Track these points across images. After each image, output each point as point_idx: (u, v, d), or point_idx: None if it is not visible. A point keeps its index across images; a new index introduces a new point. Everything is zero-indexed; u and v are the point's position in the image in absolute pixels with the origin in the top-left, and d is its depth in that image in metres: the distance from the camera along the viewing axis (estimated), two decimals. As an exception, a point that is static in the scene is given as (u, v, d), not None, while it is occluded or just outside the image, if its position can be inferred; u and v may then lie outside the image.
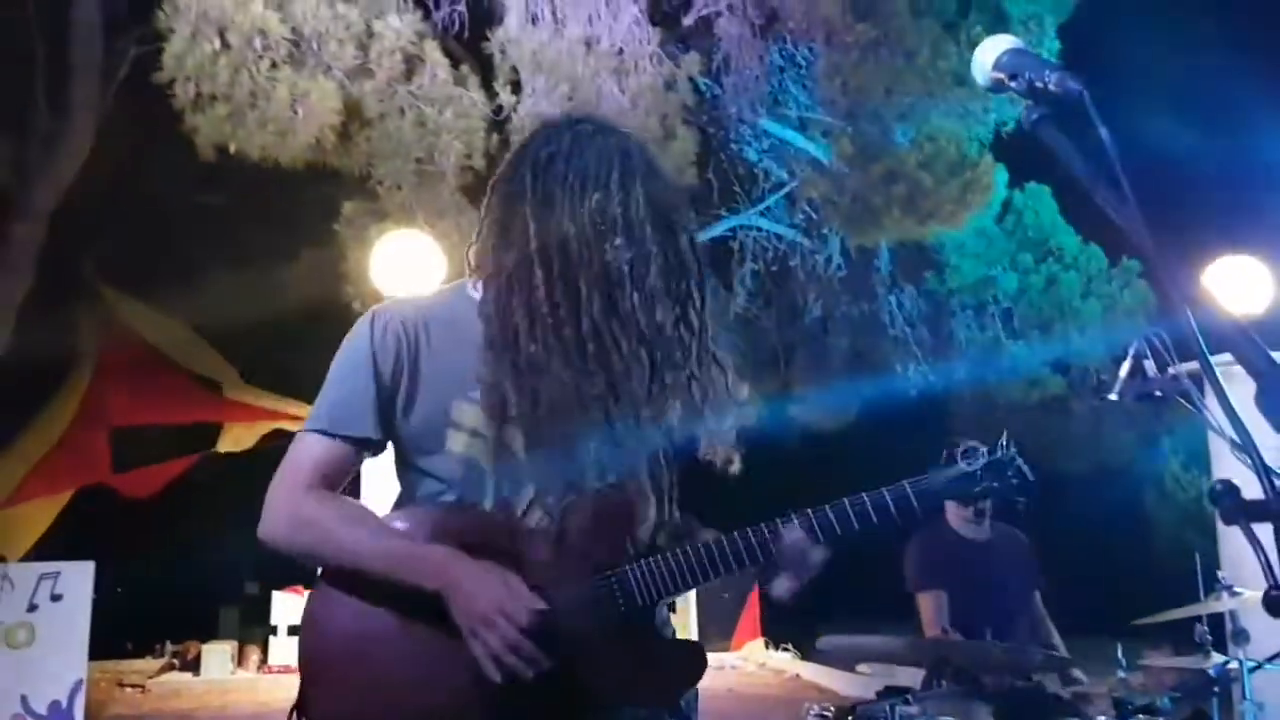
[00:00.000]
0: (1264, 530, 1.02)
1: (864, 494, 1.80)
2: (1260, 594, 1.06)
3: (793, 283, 13.26)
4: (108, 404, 11.43)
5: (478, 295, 1.89)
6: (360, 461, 1.90)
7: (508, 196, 1.88)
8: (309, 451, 1.84)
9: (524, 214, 1.82)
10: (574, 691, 1.72)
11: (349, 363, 1.88)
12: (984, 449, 1.78)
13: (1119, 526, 18.27)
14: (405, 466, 1.91)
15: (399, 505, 1.90)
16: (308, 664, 1.78)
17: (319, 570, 1.86)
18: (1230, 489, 1.07)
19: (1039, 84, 1.19)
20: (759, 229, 12.55)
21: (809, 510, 1.81)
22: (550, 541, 1.77)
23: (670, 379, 1.85)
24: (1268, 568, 1.00)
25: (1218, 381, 1.17)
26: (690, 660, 1.88)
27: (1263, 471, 1.03)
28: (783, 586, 1.88)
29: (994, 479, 1.78)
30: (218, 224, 11.38)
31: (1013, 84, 1.22)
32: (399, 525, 1.82)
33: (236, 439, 12.21)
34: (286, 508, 1.82)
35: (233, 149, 7.11)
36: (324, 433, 1.84)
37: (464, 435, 1.81)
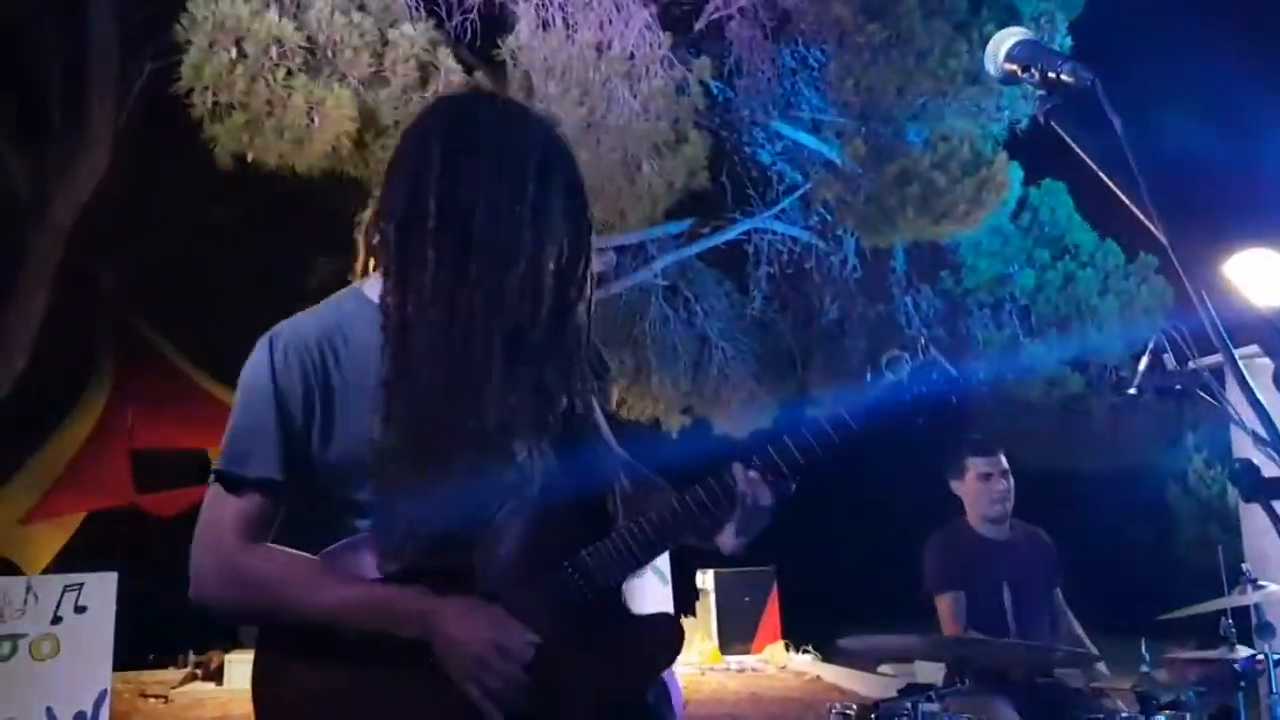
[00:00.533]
0: (1285, 509, 1.02)
1: (801, 425, 1.74)
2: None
3: (808, 285, 13.23)
4: (127, 423, 11.49)
5: (371, 295, 1.75)
6: (280, 504, 1.70)
7: (410, 173, 1.72)
8: (224, 503, 1.67)
9: (427, 191, 1.67)
10: (559, 693, 1.63)
11: (249, 398, 1.70)
12: (907, 355, 1.76)
13: (1141, 524, 18.17)
14: (327, 502, 1.71)
15: (323, 545, 1.69)
16: None
17: (257, 632, 1.73)
18: (1250, 467, 1.07)
19: (1051, 74, 1.20)
20: (773, 232, 12.53)
21: (752, 455, 1.74)
22: (501, 547, 1.64)
23: (553, 379, 1.72)
24: (1289, 544, 1.00)
25: (1239, 368, 1.16)
26: (667, 631, 1.77)
27: (1284, 453, 1.03)
28: (731, 539, 1.76)
29: (921, 384, 1.75)
30: (235, 235, 11.46)
31: (1025, 75, 1.23)
32: (343, 568, 1.65)
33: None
34: (219, 569, 1.65)
35: (250, 158, 7.15)
36: (226, 481, 1.67)
37: (382, 455, 1.65)
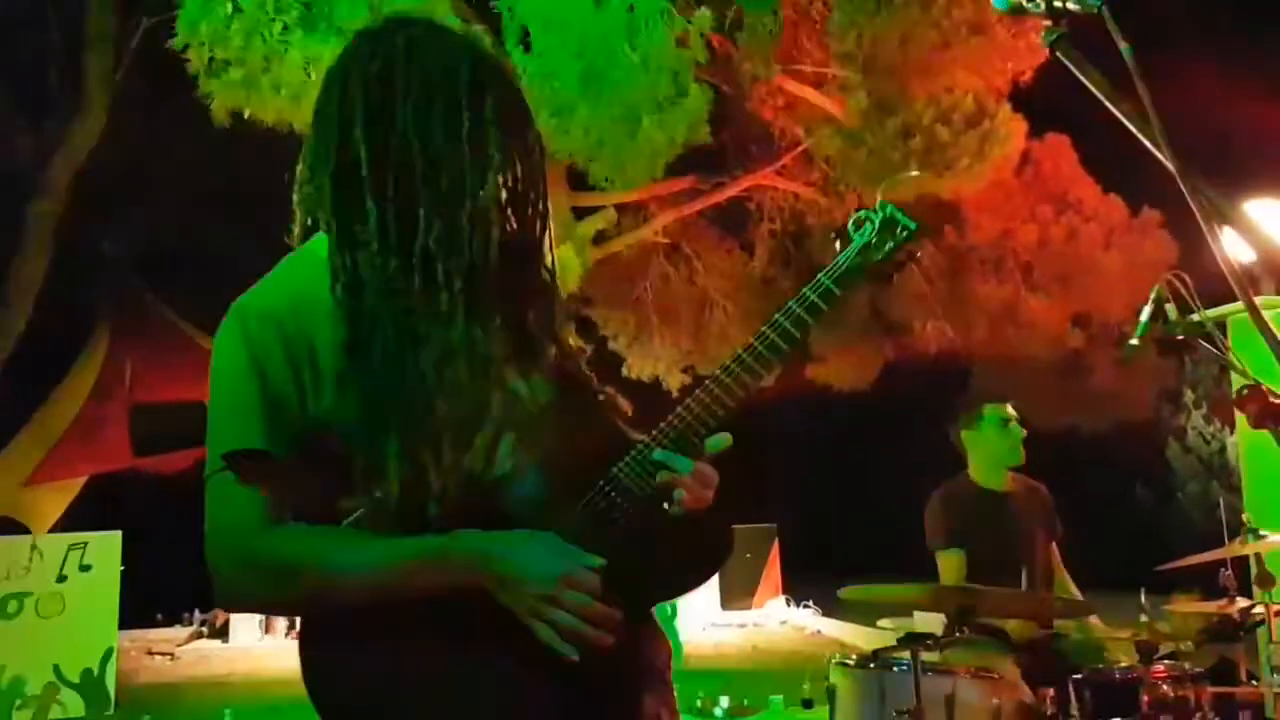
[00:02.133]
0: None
1: (789, 302, 1.68)
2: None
3: (810, 241, 13.19)
4: (126, 378, 11.49)
5: (321, 253, 1.60)
6: (288, 481, 1.55)
7: (335, 120, 1.58)
8: (228, 497, 1.51)
9: (355, 138, 1.55)
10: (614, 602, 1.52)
11: (226, 379, 1.54)
12: (869, 214, 1.76)
13: (1142, 480, 18.25)
14: (328, 474, 1.55)
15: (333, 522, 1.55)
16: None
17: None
18: (1257, 393, 1.05)
19: (1058, 3, 1.17)
20: (775, 188, 12.46)
21: (753, 339, 1.68)
22: (524, 481, 1.56)
23: (514, 309, 1.64)
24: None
25: (1255, 309, 1.13)
26: (714, 535, 1.68)
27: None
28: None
29: (889, 238, 1.74)
30: (233, 196, 11.40)
31: (1030, 5, 1.20)
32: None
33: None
34: (242, 565, 1.51)
35: (247, 114, 7.10)
36: (228, 468, 1.51)
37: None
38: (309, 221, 1.66)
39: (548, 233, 1.69)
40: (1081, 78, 1.13)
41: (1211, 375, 16.72)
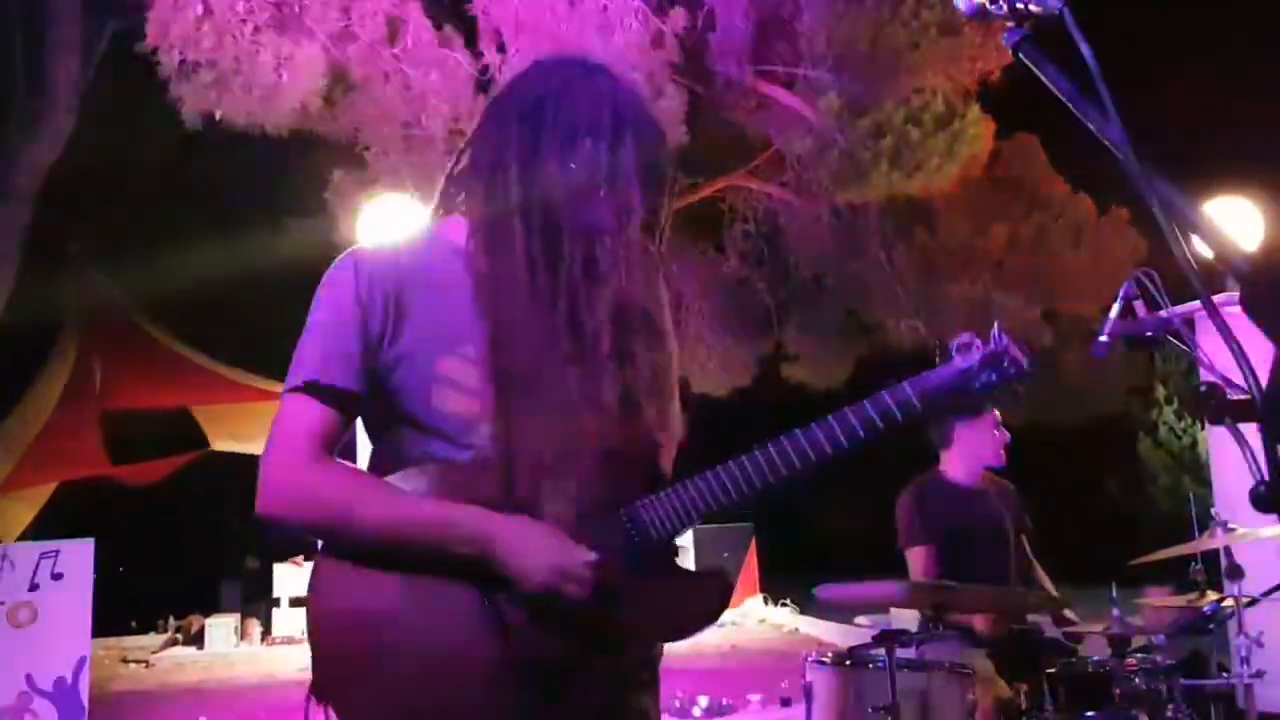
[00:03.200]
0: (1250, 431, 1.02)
1: (865, 402, 1.71)
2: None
3: (783, 242, 13.22)
4: (96, 384, 11.40)
5: (453, 239, 1.76)
6: (352, 421, 1.72)
7: (494, 142, 1.74)
8: (301, 415, 1.66)
9: (508, 164, 1.69)
10: (602, 637, 1.64)
11: (333, 310, 1.70)
12: (978, 342, 1.73)
13: (1113, 476, 18.42)
14: (389, 424, 1.73)
15: (382, 468, 1.70)
16: (326, 647, 1.64)
17: (319, 543, 1.75)
18: (1213, 389, 1.07)
19: (1020, 4, 1.18)
20: (748, 189, 12.49)
21: (827, 419, 1.71)
22: (559, 488, 1.65)
23: (634, 348, 1.75)
24: (1254, 463, 1.00)
25: (1213, 306, 1.15)
26: (714, 590, 1.76)
27: (1253, 382, 1.03)
28: None
29: (992, 371, 1.72)
30: (203, 198, 11.32)
31: (993, 7, 1.21)
32: (409, 488, 1.67)
33: (232, 433, 12.21)
34: (292, 484, 1.65)
35: (219, 116, 7.05)
36: (313, 391, 1.66)
37: (453, 392, 1.67)
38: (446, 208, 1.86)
39: (660, 274, 1.85)
40: (1043, 78, 1.15)
41: (1182, 370, 16.92)
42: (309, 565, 1.74)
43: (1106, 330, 3.65)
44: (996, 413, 4.35)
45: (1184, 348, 3.75)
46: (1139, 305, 3.65)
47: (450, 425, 1.67)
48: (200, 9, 6.73)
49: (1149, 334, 3.69)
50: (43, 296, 11.20)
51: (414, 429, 1.70)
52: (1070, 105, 1.11)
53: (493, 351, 1.66)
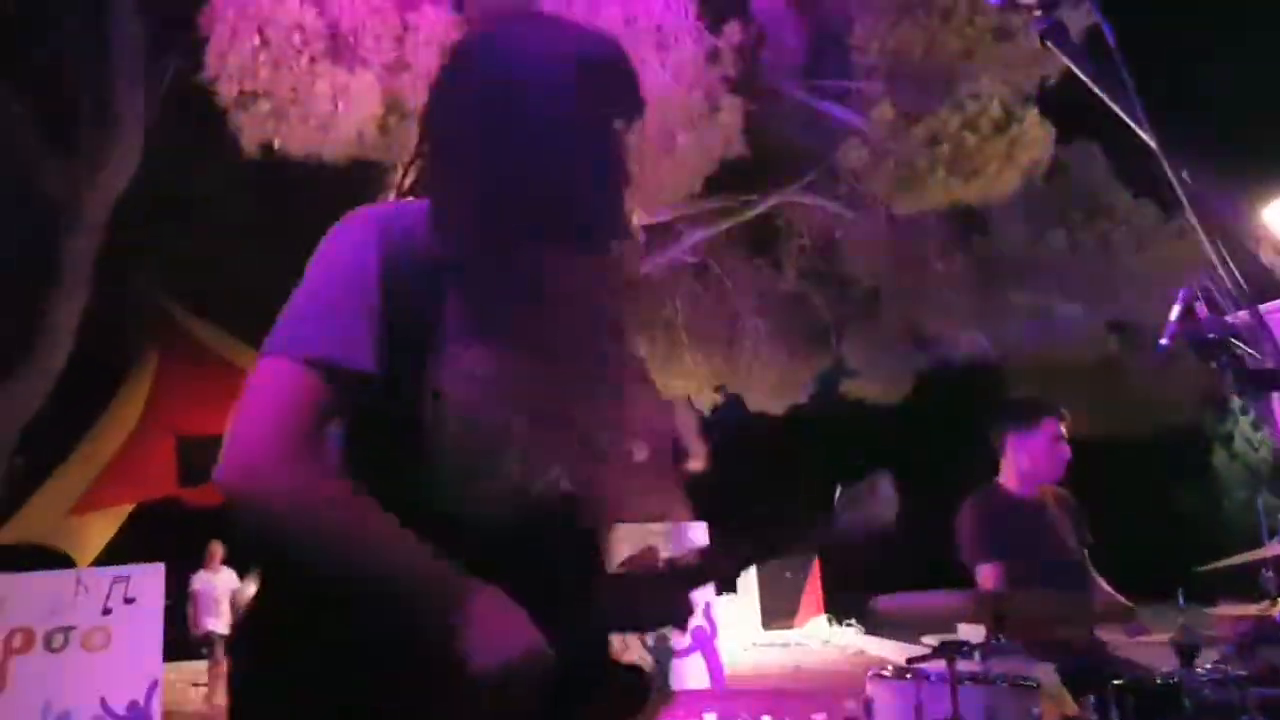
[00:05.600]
0: None
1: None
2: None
3: (840, 256, 13.14)
4: (171, 412, 11.63)
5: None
6: (346, 408, 1.40)
7: (447, 107, 1.55)
8: (303, 387, 1.36)
9: (467, 129, 1.50)
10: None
11: (348, 272, 1.41)
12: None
13: (1184, 488, 17.97)
14: (377, 423, 1.42)
15: (358, 470, 1.41)
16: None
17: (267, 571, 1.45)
18: (1235, 359, 1.04)
19: (1048, -8, 1.17)
20: (803, 204, 12.44)
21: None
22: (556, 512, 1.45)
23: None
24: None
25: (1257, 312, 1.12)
26: (634, 690, 1.57)
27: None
28: None
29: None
30: (266, 227, 11.53)
31: (1023, -1, 1.20)
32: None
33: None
34: (290, 467, 1.33)
35: (277, 145, 7.20)
36: (321, 363, 1.36)
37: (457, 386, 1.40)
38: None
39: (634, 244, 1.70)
40: (1070, 64, 1.13)
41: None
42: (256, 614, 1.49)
43: (1166, 333, 3.59)
44: (1059, 425, 4.25)
45: (1248, 350, 3.67)
46: (1200, 307, 3.57)
47: (445, 431, 1.41)
48: (257, 40, 6.89)
49: (1210, 335, 3.62)
50: (116, 323, 11.49)
51: (411, 430, 1.43)
52: (1093, 87, 1.10)
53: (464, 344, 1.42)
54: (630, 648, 1.61)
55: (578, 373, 1.49)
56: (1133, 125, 1.04)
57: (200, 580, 11.30)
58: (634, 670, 1.59)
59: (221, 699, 10.53)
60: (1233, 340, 3.68)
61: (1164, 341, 3.64)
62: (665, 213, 10.74)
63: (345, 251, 1.44)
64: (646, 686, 1.57)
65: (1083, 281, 11.22)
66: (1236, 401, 17.08)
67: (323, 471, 1.37)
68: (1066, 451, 4.20)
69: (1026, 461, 4.23)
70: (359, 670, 1.36)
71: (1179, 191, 1.03)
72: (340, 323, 1.38)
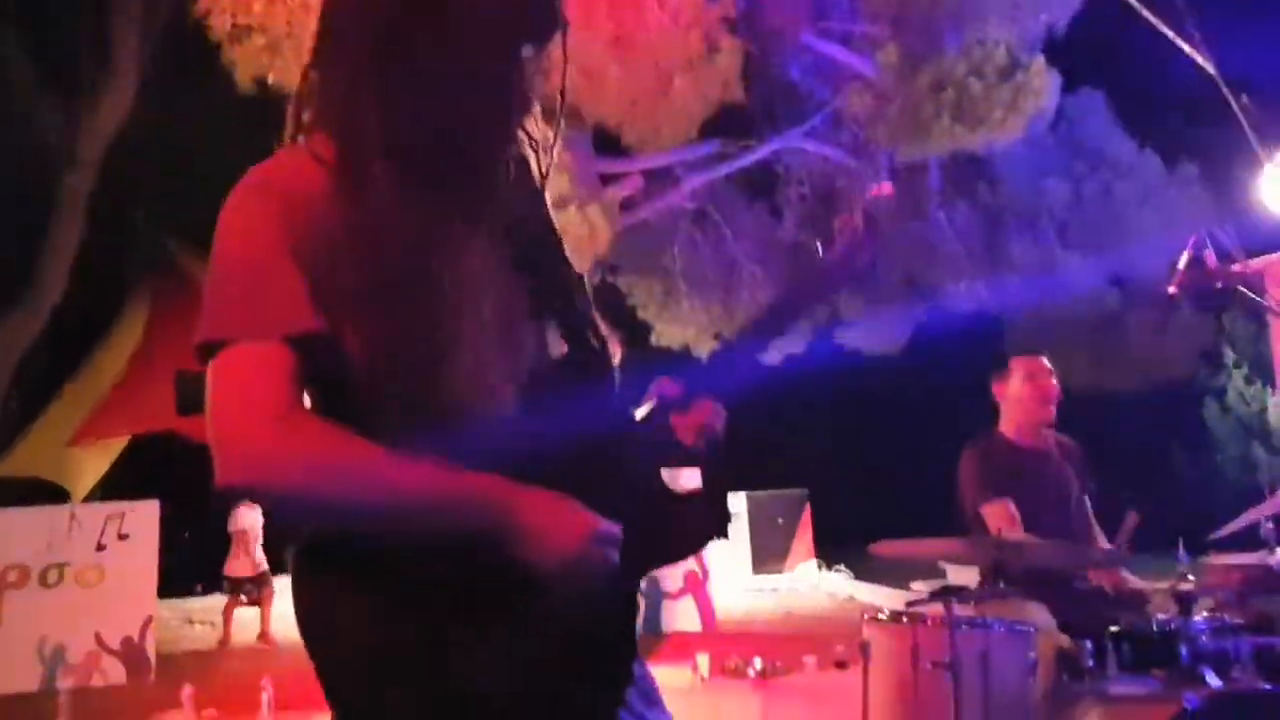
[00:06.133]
0: None
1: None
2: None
3: (840, 205, 13.05)
4: (168, 346, 11.58)
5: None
6: (310, 367, 1.35)
7: (347, 51, 1.43)
8: (273, 366, 1.32)
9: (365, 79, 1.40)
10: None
11: (262, 241, 1.35)
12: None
13: (1180, 443, 18.02)
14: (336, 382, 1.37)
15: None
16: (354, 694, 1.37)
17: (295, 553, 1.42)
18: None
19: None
20: (804, 151, 12.32)
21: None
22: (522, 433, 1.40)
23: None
24: None
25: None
26: (716, 505, 1.60)
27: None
28: None
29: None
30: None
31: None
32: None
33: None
34: (288, 444, 1.30)
35: (271, 80, 7.07)
36: (280, 337, 1.32)
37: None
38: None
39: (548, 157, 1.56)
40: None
41: (1251, 334, 16.43)
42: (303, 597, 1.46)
43: (1174, 282, 3.55)
44: (1031, 363, 4.20)
45: (1256, 300, 3.64)
46: (1208, 255, 3.54)
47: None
48: (250, -28, 6.75)
49: (1218, 285, 3.58)
50: (112, 261, 11.43)
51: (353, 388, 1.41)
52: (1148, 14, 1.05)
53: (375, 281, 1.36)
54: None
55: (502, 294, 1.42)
56: (1186, 49, 0.99)
57: (244, 518, 11.23)
58: (692, 496, 1.58)
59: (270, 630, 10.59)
60: (1240, 289, 3.64)
61: (1172, 290, 3.61)
62: (663, 157, 10.63)
63: (251, 222, 1.37)
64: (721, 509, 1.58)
65: (1084, 233, 11.16)
66: (1231, 356, 17.08)
67: (321, 433, 1.33)
68: (1046, 390, 4.16)
69: (1012, 406, 4.22)
70: (428, 584, 1.35)
71: (1240, 118, 0.98)
72: (277, 293, 1.33)
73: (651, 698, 1.60)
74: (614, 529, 1.39)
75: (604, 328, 1.62)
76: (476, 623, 1.37)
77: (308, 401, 1.39)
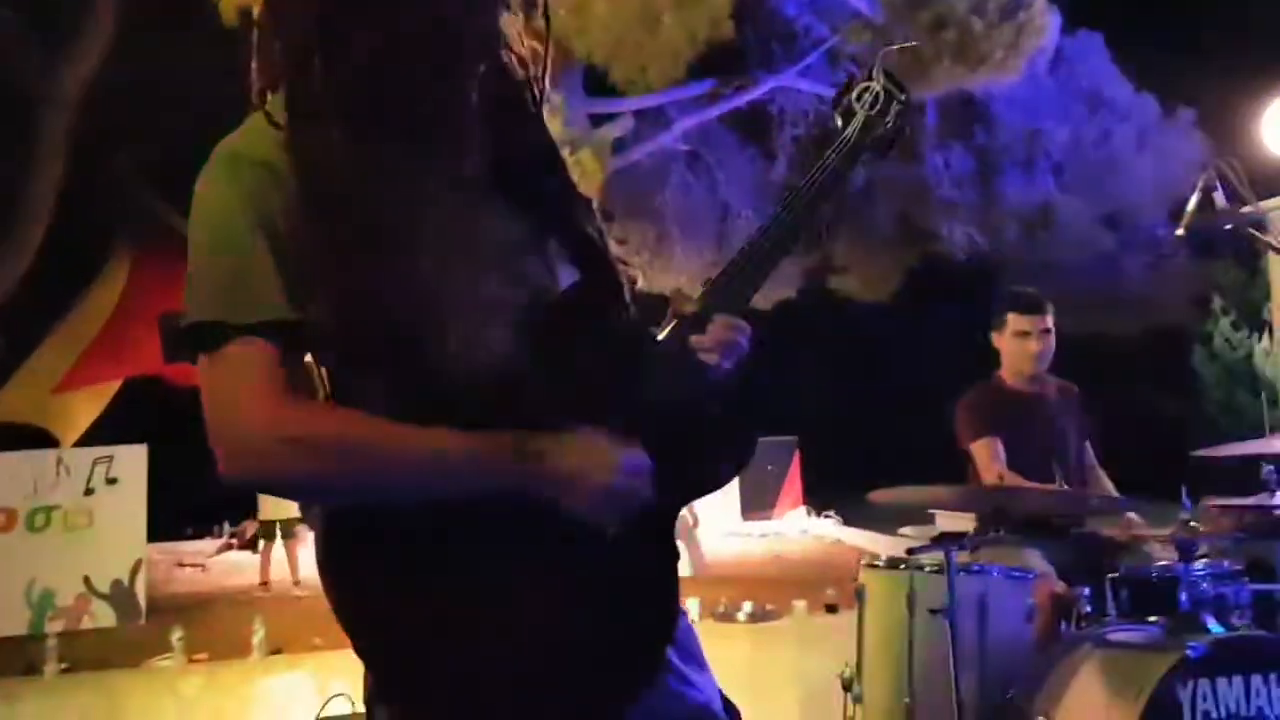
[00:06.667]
0: None
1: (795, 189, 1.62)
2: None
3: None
4: (153, 290, 11.48)
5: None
6: (295, 356, 1.34)
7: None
8: (259, 356, 1.29)
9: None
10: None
11: (229, 223, 1.31)
12: (868, 85, 1.67)
13: (1167, 388, 18.09)
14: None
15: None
16: (390, 656, 1.31)
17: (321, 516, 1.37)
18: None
19: None
20: (798, 91, 12.13)
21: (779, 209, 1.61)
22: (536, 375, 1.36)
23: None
24: None
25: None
26: (740, 433, 1.54)
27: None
28: None
29: (893, 106, 1.67)
30: (248, 106, 11.21)
31: None
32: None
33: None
34: (280, 433, 1.28)
35: (255, 13, 6.88)
36: (262, 325, 1.29)
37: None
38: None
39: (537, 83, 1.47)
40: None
41: (1241, 281, 16.42)
42: (330, 555, 1.38)
43: (1183, 224, 3.47)
44: (1022, 319, 4.14)
45: (1266, 239, 3.57)
46: (1218, 196, 3.46)
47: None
48: (234, -102, 6.54)
49: (1227, 227, 3.51)
50: (92, 204, 11.26)
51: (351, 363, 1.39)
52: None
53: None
54: None
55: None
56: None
57: None
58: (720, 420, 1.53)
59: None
60: (1250, 229, 3.56)
61: (1179, 231, 3.53)
62: (654, 98, 10.45)
63: (223, 200, 1.33)
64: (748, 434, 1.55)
65: (1081, 176, 11.07)
66: (1219, 302, 17.09)
67: (318, 417, 1.33)
68: (1032, 347, 4.10)
69: (1006, 357, 4.19)
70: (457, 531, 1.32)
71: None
72: (253, 280, 1.30)
73: (693, 655, 1.56)
74: (644, 459, 1.37)
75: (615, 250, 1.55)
76: (512, 588, 1.33)
77: (322, 385, 1.38)
